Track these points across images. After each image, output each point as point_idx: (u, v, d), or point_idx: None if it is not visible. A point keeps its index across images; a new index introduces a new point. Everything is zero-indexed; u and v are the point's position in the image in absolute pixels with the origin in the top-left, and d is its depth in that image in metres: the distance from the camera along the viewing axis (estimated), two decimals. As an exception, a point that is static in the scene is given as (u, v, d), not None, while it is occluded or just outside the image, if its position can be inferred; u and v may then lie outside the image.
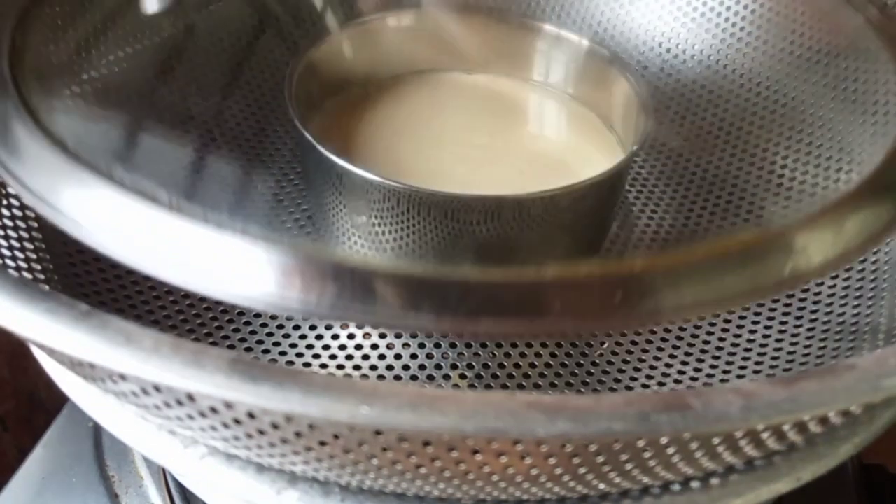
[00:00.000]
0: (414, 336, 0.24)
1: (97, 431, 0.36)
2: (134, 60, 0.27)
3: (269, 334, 0.24)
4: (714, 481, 0.18)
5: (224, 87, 0.27)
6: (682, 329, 0.24)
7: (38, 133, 0.21)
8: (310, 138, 0.23)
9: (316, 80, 0.27)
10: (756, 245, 0.19)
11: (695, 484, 0.18)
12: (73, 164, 0.20)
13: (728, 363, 0.23)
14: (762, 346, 0.24)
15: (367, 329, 0.24)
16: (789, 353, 0.24)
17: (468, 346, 0.23)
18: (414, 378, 0.23)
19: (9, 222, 0.26)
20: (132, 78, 0.27)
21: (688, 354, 0.23)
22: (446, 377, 0.23)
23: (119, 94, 0.26)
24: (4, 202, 0.27)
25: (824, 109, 0.33)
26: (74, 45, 0.27)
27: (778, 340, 0.24)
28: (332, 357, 0.23)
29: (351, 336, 0.23)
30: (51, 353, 0.20)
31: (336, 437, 0.15)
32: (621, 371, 0.23)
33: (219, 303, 0.24)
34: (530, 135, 0.28)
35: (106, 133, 0.24)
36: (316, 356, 0.23)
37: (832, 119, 0.32)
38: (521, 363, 0.23)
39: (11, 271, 0.24)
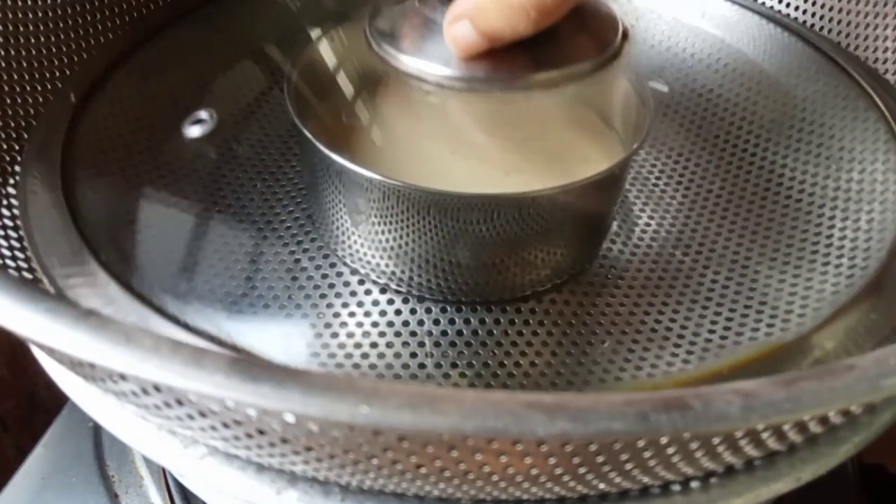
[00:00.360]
0: (413, 334, 0.24)
1: (97, 431, 0.36)
2: (176, 188, 0.28)
3: (268, 332, 0.24)
4: (714, 481, 0.18)
5: (262, 215, 0.28)
6: (683, 328, 0.24)
7: (95, 264, 0.24)
8: (309, 136, 0.23)
9: (316, 79, 0.27)
10: (775, 355, 0.23)
11: (695, 484, 0.18)
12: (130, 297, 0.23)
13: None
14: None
15: (366, 328, 0.24)
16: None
17: (468, 345, 0.23)
18: (413, 377, 0.23)
19: (9, 222, 0.26)
20: (177, 205, 0.28)
21: (689, 353, 0.23)
22: (446, 376, 0.23)
23: (165, 219, 0.27)
24: (4, 202, 0.27)
25: (825, 108, 0.33)
26: (117, 175, 0.28)
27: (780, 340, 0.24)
28: (331, 356, 0.23)
29: (350, 335, 0.23)
30: (51, 353, 0.20)
31: (336, 436, 0.15)
32: (622, 370, 0.23)
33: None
34: (530, 133, 0.28)
35: (155, 259, 0.25)
36: (315, 355, 0.23)
37: (832, 117, 0.33)
38: (521, 363, 0.23)
39: (11, 271, 0.24)
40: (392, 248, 0.24)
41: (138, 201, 0.27)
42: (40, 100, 0.31)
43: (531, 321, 0.24)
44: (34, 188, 0.26)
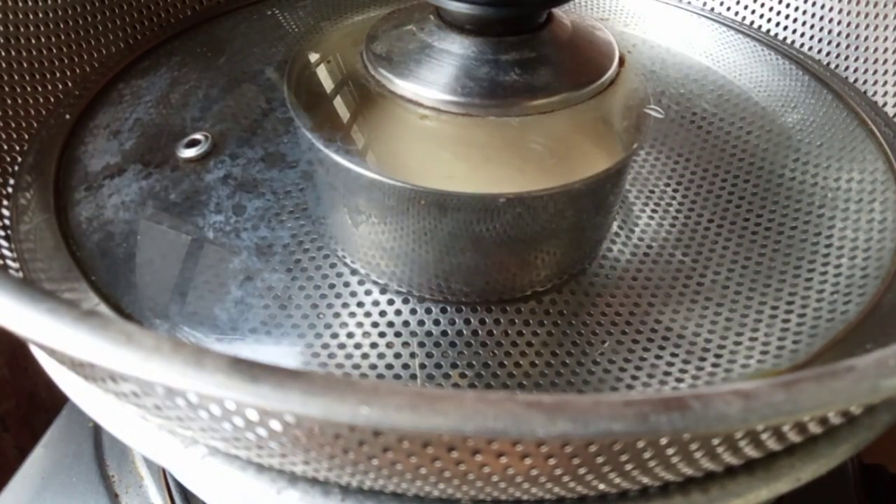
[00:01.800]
0: (413, 334, 0.24)
1: (97, 431, 0.36)
2: (174, 212, 0.28)
3: (268, 333, 0.24)
4: (714, 481, 0.18)
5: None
6: (683, 328, 0.24)
7: (85, 285, 0.24)
8: (309, 136, 0.23)
9: (316, 77, 0.27)
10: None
11: (694, 484, 0.18)
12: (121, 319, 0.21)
13: (730, 362, 0.23)
14: (764, 345, 0.24)
15: (366, 328, 0.24)
16: (792, 351, 0.24)
17: (468, 345, 0.23)
18: (413, 377, 0.23)
19: (9, 222, 0.26)
20: (174, 231, 0.28)
21: (689, 353, 0.23)
22: (446, 376, 0.23)
23: (159, 239, 0.27)
24: (5, 202, 0.27)
25: (825, 114, 0.33)
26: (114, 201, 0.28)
27: (780, 339, 0.24)
28: (331, 356, 0.23)
29: (350, 335, 0.23)
30: (51, 353, 0.20)
31: (336, 436, 0.15)
32: (622, 370, 0.23)
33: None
34: (530, 132, 0.28)
35: (148, 278, 0.25)
36: (315, 355, 0.23)
37: (833, 119, 0.33)
38: (521, 363, 0.23)
39: (12, 271, 0.24)
40: (392, 248, 0.24)
41: (132, 222, 0.27)
42: (34, 119, 0.31)
43: (531, 321, 0.24)
44: (27, 207, 0.26)
